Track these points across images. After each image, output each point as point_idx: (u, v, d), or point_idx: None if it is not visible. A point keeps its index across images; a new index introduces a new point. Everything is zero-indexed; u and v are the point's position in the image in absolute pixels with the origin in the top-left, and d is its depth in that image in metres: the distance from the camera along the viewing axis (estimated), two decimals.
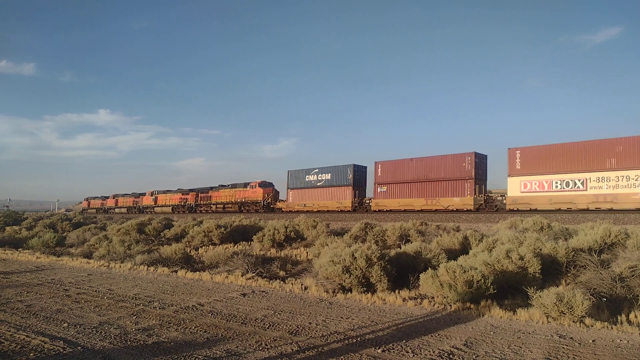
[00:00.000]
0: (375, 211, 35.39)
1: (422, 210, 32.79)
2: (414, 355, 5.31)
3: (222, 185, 52.42)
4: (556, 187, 27.64)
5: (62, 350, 5.60)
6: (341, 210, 37.41)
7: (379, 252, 9.90)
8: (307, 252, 14.69)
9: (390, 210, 34.60)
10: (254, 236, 17.50)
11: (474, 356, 5.31)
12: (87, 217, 44.00)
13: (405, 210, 33.74)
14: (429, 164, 33.49)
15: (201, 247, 18.02)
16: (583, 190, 26.60)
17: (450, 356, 5.30)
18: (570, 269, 9.82)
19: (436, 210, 32.30)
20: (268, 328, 6.65)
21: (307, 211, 38.96)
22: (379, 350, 5.51)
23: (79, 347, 5.73)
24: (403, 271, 10.05)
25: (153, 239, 20.63)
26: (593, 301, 7.27)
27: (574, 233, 13.09)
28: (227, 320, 7.11)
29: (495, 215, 25.55)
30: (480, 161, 31.74)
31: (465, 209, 30.96)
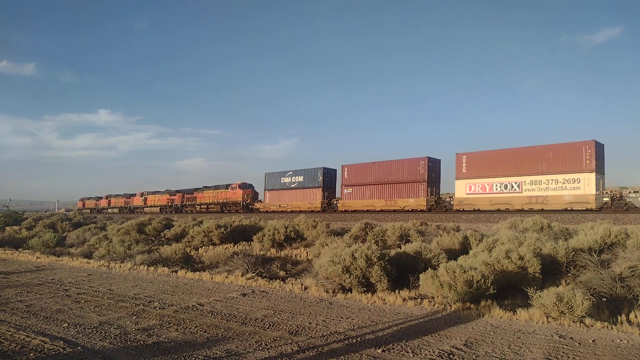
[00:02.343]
0: (341, 211, 37.77)
1: (382, 211, 35.35)
2: (414, 355, 5.31)
3: (206, 187, 54.26)
4: (496, 189, 30.36)
5: (62, 350, 5.60)
6: (312, 211, 39.56)
7: (379, 252, 9.90)
8: (307, 252, 14.69)
9: (355, 211, 37.10)
10: (254, 236, 17.51)
11: (474, 356, 5.31)
12: (87, 217, 44.02)
13: (367, 211, 36.25)
14: (388, 168, 36.21)
15: (201, 247, 18.02)
16: (519, 193, 29.25)
17: (450, 356, 5.30)
18: (570, 269, 9.82)
19: (394, 210, 34.82)
20: (268, 328, 6.65)
21: (282, 211, 41.68)
22: (379, 351, 5.51)
23: (79, 347, 5.73)
24: (403, 271, 10.05)
25: (153, 239, 20.62)
26: (593, 301, 7.27)
27: (574, 233, 13.09)
28: (227, 320, 7.11)
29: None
30: (434, 165, 34.57)
31: (419, 209, 33.51)
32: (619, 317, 6.89)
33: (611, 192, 26.58)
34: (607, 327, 6.40)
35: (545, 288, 7.48)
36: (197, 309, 7.94)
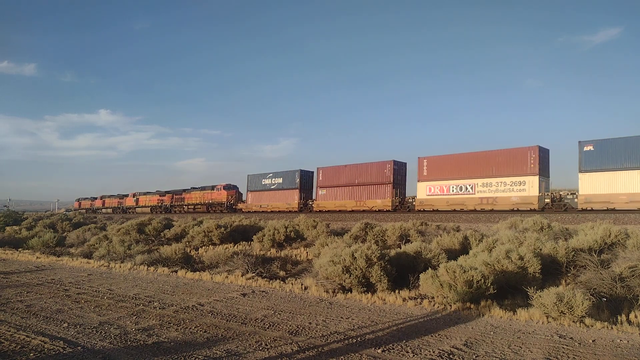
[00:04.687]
0: (316, 212, 39.52)
1: (352, 211, 37.42)
2: (414, 355, 5.31)
3: (194, 188, 55.58)
4: (452, 191, 32.30)
5: (62, 350, 5.60)
6: (290, 211, 41.36)
7: (379, 252, 9.90)
8: (307, 252, 14.69)
9: (329, 211, 39.09)
10: (254, 236, 17.51)
11: (474, 356, 5.31)
12: (86, 217, 44.10)
13: (340, 211, 38.32)
14: (358, 170, 38.40)
15: (201, 247, 18.02)
16: (472, 194, 31.21)
17: (450, 356, 5.30)
18: (570, 269, 9.82)
19: (363, 210, 36.72)
20: (268, 328, 6.65)
21: (263, 211, 43.47)
22: (379, 350, 5.51)
23: (79, 347, 5.73)
24: (403, 271, 10.05)
25: (153, 239, 20.63)
26: (593, 301, 7.27)
27: (574, 233, 13.10)
28: (227, 320, 7.11)
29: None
30: (399, 168, 36.75)
31: (385, 210, 35.52)
32: (619, 317, 6.90)
33: (552, 194, 28.68)
34: (607, 327, 6.40)
35: (545, 288, 7.47)
36: (197, 309, 7.94)
